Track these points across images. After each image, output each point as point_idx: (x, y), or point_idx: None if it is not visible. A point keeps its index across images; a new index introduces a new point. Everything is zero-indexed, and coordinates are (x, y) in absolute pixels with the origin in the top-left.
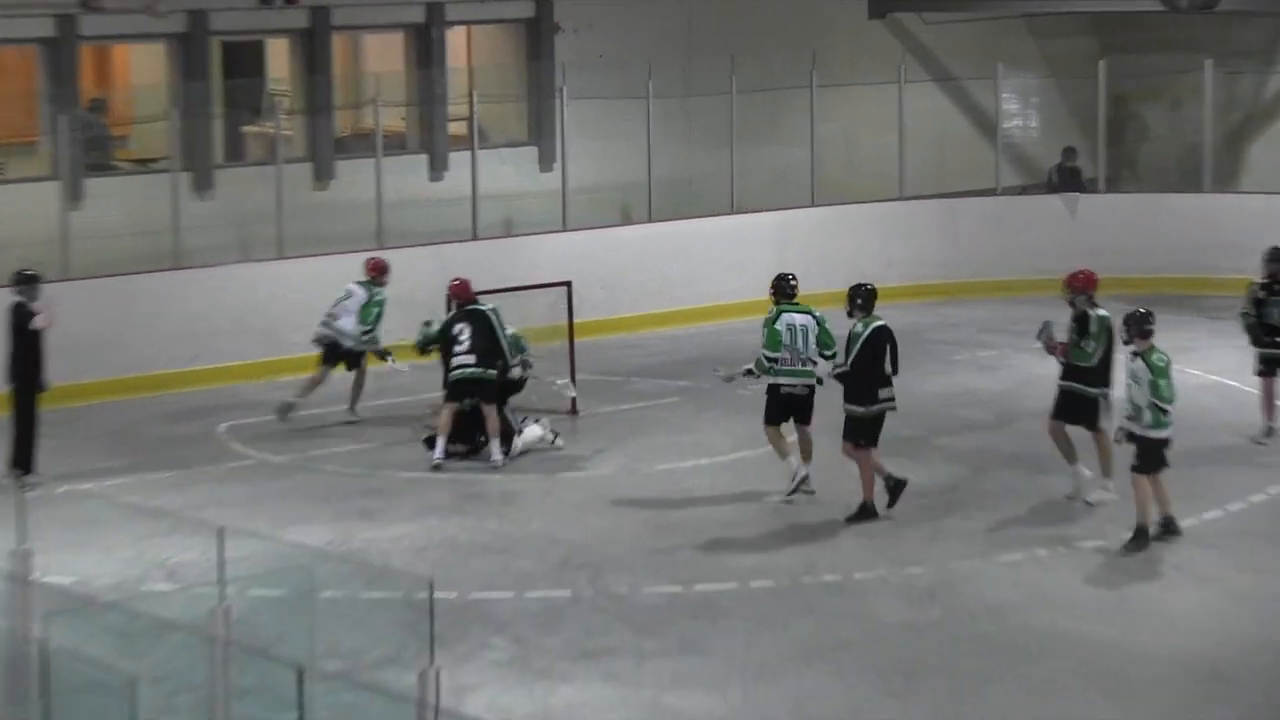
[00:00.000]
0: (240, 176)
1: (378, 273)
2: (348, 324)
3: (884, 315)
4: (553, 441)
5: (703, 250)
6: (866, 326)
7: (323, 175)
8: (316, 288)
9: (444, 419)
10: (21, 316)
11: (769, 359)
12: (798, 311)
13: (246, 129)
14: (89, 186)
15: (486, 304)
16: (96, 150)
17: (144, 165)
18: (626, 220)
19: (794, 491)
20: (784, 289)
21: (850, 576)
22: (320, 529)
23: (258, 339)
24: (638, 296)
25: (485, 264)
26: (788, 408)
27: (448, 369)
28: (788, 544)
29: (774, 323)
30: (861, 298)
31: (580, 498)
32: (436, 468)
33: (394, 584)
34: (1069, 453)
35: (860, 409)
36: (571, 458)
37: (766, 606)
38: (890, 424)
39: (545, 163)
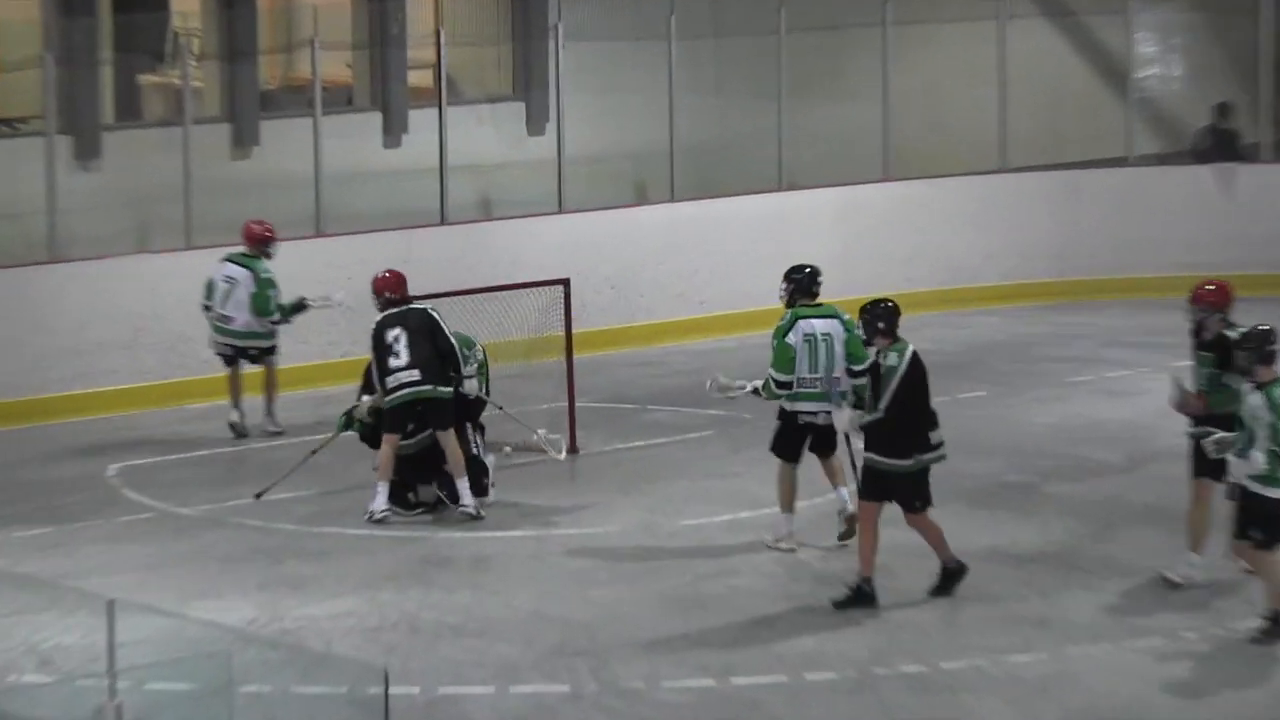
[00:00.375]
0: (136, 141)
1: (259, 243)
2: (243, 321)
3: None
4: (551, 449)
5: (740, 238)
6: (901, 356)
7: (244, 140)
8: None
9: (384, 457)
10: None
11: (779, 383)
12: (819, 316)
13: (145, 79)
14: None
15: (423, 304)
16: None
17: (9, 127)
18: (641, 199)
19: (776, 547)
20: (801, 285)
21: (936, 667)
22: (241, 603)
23: (159, 354)
24: (656, 299)
25: (457, 255)
26: (806, 438)
27: (384, 390)
28: (852, 624)
29: (785, 333)
30: (884, 320)
31: (580, 563)
32: (378, 522)
33: (338, 675)
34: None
35: (903, 463)
36: (568, 509)
37: (826, 707)
38: (990, 467)
39: (535, 124)
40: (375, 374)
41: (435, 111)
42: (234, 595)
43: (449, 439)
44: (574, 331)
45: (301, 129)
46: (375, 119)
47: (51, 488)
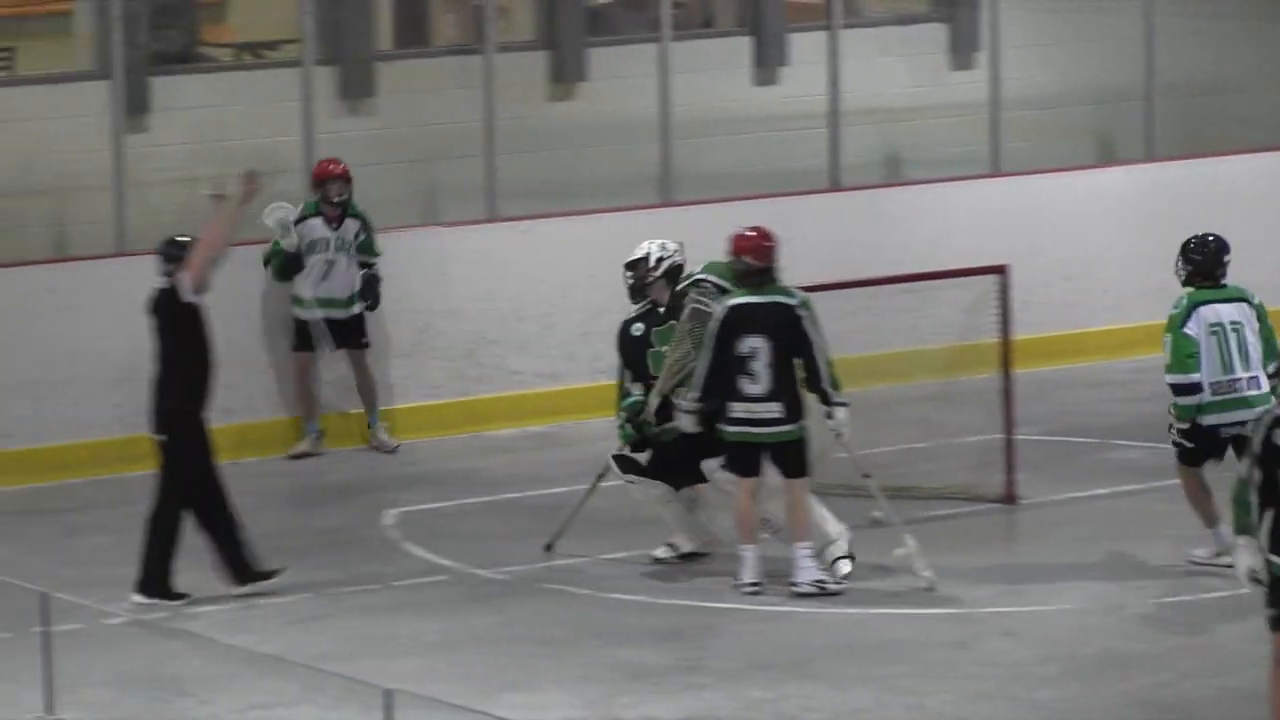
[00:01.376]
0: (421, 74)
1: (322, 178)
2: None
3: None
4: (920, 572)
5: (1246, 213)
6: None
7: (566, 73)
8: (559, 269)
9: (744, 513)
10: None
11: (1181, 387)
12: (1222, 300)
13: None
14: (157, 91)
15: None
16: (170, 27)
17: (254, 55)
18: (1106, 158)
19: (1210, 563)
20: (1204, 264)
21: None
22: (560, 697)
23: (451, 362)
24: (1124, 295)
25: (850, 233)
26: (1213, 448)
27: (725, 421)
28: None
29: (1182, 323)
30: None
31: (1019, 653)
32: (750, 594)
33: None
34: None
35: None
36: (1003, 579)
37: None
38: None
39: (960, 54)
40: (707, 372)
41: (824, 36)
42: (551, 687)
43: (798, 490)
44: (1013, 338)
45: (643, 59)
46: (743, 45)
47: (310, 538)
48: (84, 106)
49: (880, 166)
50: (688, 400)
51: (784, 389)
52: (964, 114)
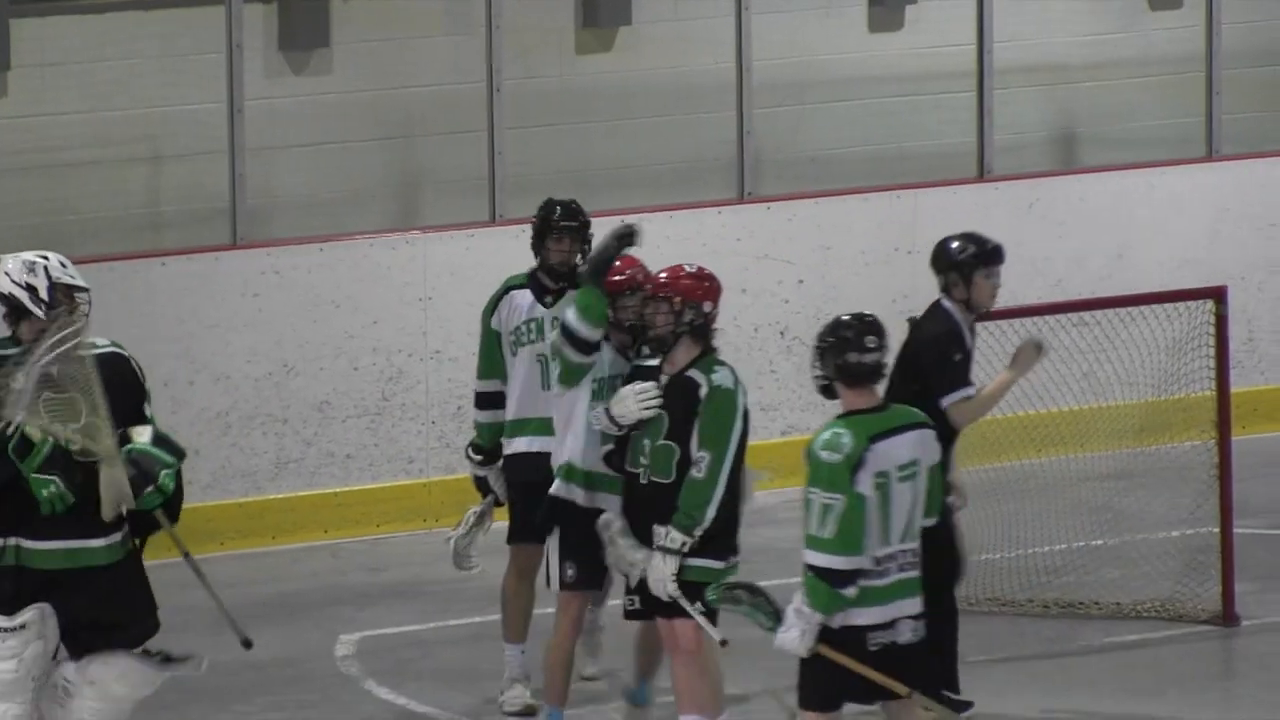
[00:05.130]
0: (391, 15)
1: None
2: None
3: None
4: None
5: None
6: None
7: (602, 15)
8: None
9: None
10: None
11: None
12: None
13: None
14: (16, 38)
15: None
16: None
17: None
18: None
19: None
20: None
21: None
22: None
23: None
24: None
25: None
26: None
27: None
28: None
29: None
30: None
31: None
32: None
33: None
34: None
35: None
36: None
37: None
38: None
39: None
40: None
41: None
42: None
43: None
44: (1232, 389)
45: None
46: None
47: (242, 673)
48: None
49: (1046, 147)
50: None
51: None
52: (1167, 72)
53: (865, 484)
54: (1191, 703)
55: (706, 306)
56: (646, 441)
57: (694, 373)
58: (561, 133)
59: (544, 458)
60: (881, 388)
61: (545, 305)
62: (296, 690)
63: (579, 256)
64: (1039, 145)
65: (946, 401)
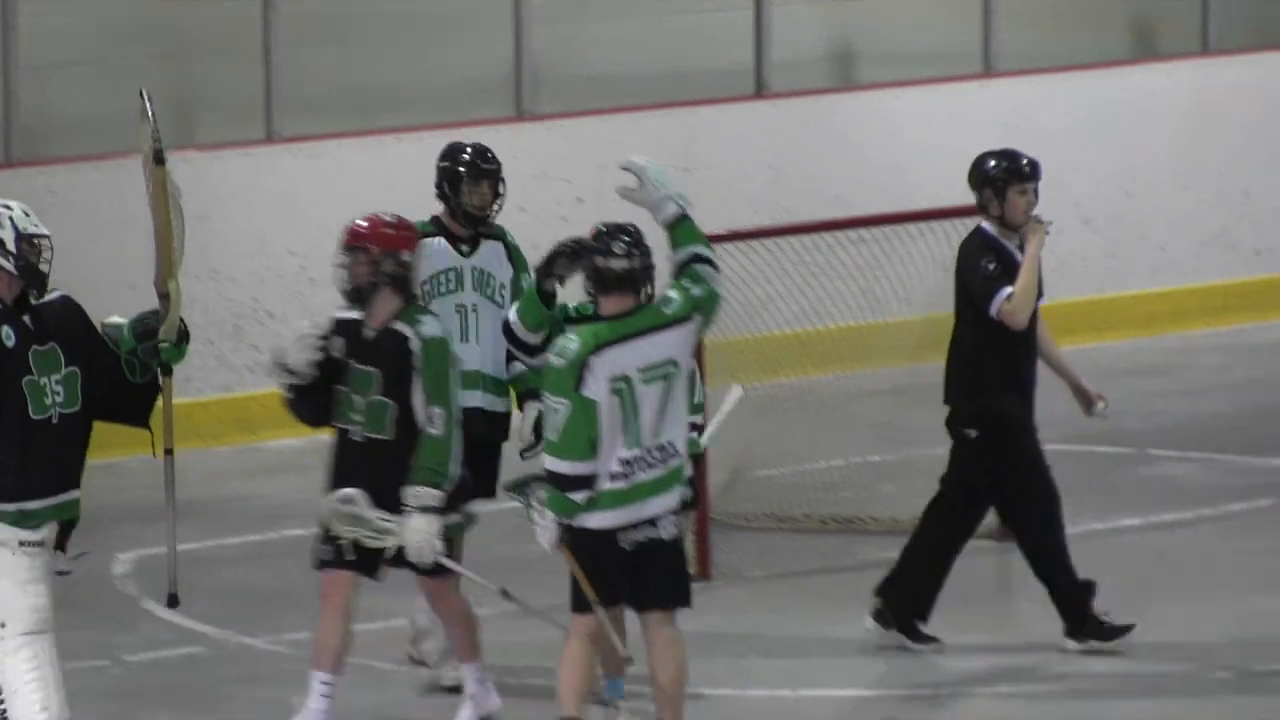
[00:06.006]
0: None
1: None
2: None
3: None
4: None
5: None
6: None
7: None
8: (361, 209)
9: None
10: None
11: None
12: None
13: None
14: None
15: None
16: None
17: None
18: (1143, 52)
19: None
20: None
21: None
22: None
23: None
24: (1170, 246)
25: (775, 157)
26: None
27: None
28: None
29: None
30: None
31: None
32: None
33: None
34: None
35: None
36: None
37: None
38: None
39: None
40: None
41: None
42: None
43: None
44: None
45: None
46: None
47: None
48: None
49: (824, 64)
50: None
51: None
52: None
53: (596, 389)
54: (966, 616)
55: (405, 255)
56: (357, 397)
57: (399, 325)
58: (339, 51)
59: (471, 412)
60: (640, 294)
61: (462, 254)
62: (74, 611)
63: (496, 201)
64: (817, 62)
65: (993, 309)
